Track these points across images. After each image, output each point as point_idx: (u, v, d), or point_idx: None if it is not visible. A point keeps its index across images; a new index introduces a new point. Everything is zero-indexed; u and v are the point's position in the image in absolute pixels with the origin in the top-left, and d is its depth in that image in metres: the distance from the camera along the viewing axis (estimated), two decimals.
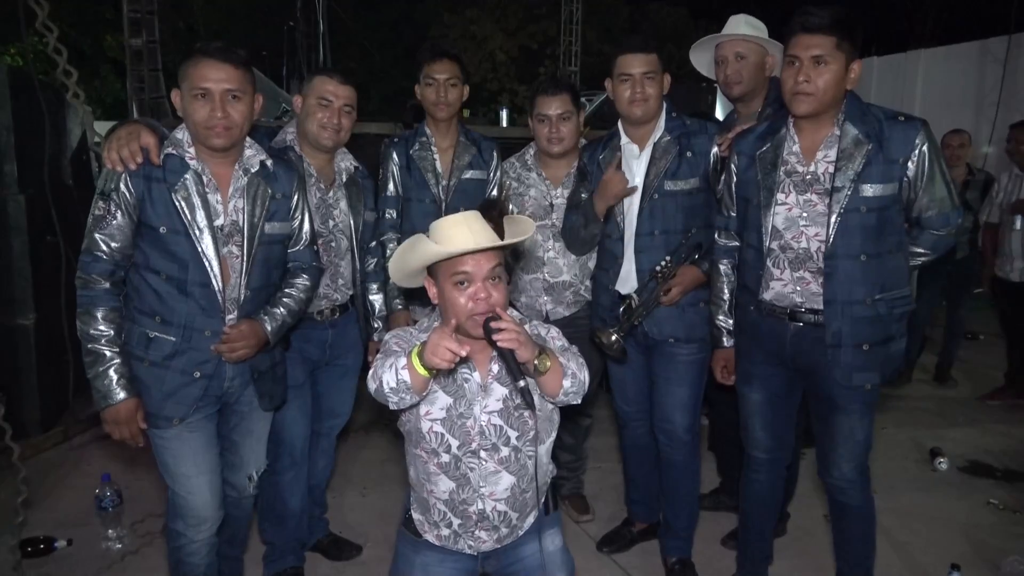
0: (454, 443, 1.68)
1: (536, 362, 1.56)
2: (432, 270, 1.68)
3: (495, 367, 1.69)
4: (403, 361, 1.55)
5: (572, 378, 1.65)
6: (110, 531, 2.85)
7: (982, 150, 7.24)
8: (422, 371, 1.52)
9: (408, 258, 1.69)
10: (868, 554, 2.29)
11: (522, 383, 1.50)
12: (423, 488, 1.75)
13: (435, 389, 1.68)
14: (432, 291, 1.69)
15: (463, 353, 1.46)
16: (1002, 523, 3.14)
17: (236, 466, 2.22)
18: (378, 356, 1.68)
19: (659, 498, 2.76)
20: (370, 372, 1.64)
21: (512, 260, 1.75)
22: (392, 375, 1.55)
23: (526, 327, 1.68)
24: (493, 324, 1.54)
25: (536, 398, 1.67)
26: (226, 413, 2.15)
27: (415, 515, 1.82)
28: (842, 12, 1.97)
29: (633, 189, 2.45)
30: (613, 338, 2.43)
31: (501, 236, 1.69)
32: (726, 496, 3.13)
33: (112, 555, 2.78)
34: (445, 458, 1.69)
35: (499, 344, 1.52)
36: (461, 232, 1.59)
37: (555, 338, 1.76)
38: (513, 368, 1.52)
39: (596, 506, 3.16)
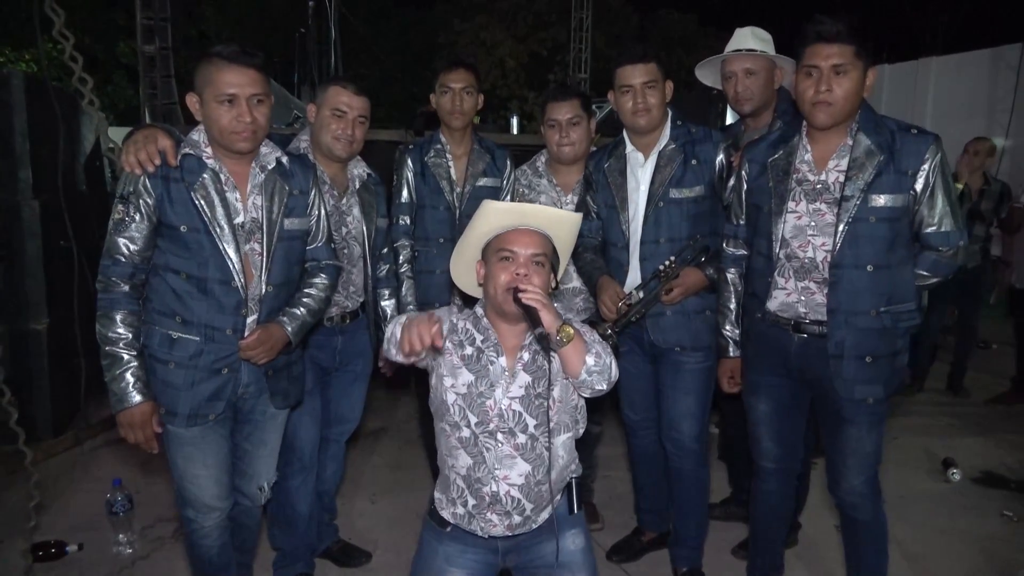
0: (473, 419, 1.75)
1: (559, 333, 1.63)
2: (485, 253, 1.81)
3: (525, 355, 1.76)
4: (403, 320, 1.69)
5: (596, 356, 1.71)
6: (121, 535, 2.86)
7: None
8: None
9: (471, 232, 1.81)
10: (881, 568, 2.27)
11: (540, 330, 1.60)
12: (445, 464, 1.82)
13: (459, 364, 1.77)
14: (481, 273, 1.81)
15: (419, 347, 1.55)
16: (1016, 535, 3.11)
17: (248, 476, 2.22)
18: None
19: (669, 507, 2.75)
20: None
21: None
22: (393, 326, 1.75)
23: None
24: (521, 286, 1.66)
25: (558, 388, 1.76)
26: (240, 422, 2.15)
27: (436, 493, 1.87)
28: (856, 20, 1.96)
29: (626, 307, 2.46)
30: (607, 332, 2.40)
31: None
32: (737, 506, 3.11)
33: (123, 559, 2.79)
34: (465, 433, 1.76)
35: (523, 301, 1.62)
36: (524, 206, 1.80)
37: (585, 332, 1.81)
38: (535, 319, 1.61)
39: (605, 515, 3.15)
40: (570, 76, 13.21)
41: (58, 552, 2.78)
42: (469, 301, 2.55)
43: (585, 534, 1.89)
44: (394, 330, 1.73)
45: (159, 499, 3.15)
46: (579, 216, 1.88)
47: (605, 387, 1.75)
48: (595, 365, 1.70)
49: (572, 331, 1.65)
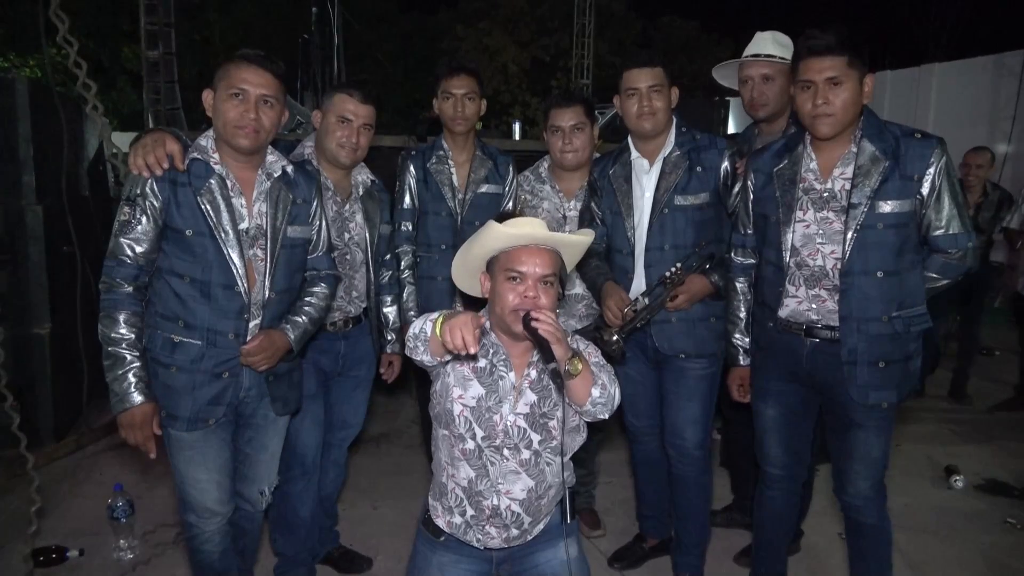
0: (479, 432, 1.74)
1: (568, 364, 1.60)
2: (490, 266, 1.77)
3: (532, 372, 1.75)
4: (435, 316, 1.66)
5: (602, 388, 1.69)
6: (122, 541, 2.85)
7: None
8: (438, 335, 1.60)
9: (474, 246, 1.77)
10: (884, 573, 2.26)
11: (554, 365, 1.58)
12: (445, 472, 1.80)
13: (471, 376, 1.75)
14: (485, 286, 1.78)
15: (471, 350, 1.52)
16: (1019, 542, 3.09)
17: (250, 480, 2.23)
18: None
19: (670, 514, 2.74)
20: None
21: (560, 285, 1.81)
22: (421, 323, 1.70)
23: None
24: (533, 314, 1.61)
25: (561, 411, 1.74)
26: (241, 426, 2.16)
27: (431, 500, 1.86)
28: (846, 30, 1.96)
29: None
30: (615, 338, 2.40)
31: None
32: (739, 513, 3.10)
33: (124, 565, 2.79)
34: (470, 445, 1.74)
35: (538, 332, 1.57)
36: (530, 226, 1.72)
37: (591, 354, 1.80)
38: (547, 353, 1.57)
39: (607, 521, 3.14)
40: (572, 82, 13.24)
41: (59, 557, 2.77)
42: (469, 302, 2.56)
43: (578, 543, 1.89)
44: (423, 326, 1.69)
45: (160, 504, 3.15)
46: (590, 237, 1.85)
47: (607, 416, 1.74)
48: (600, 397, 1.69)
49: (580, 365, 1.62)
